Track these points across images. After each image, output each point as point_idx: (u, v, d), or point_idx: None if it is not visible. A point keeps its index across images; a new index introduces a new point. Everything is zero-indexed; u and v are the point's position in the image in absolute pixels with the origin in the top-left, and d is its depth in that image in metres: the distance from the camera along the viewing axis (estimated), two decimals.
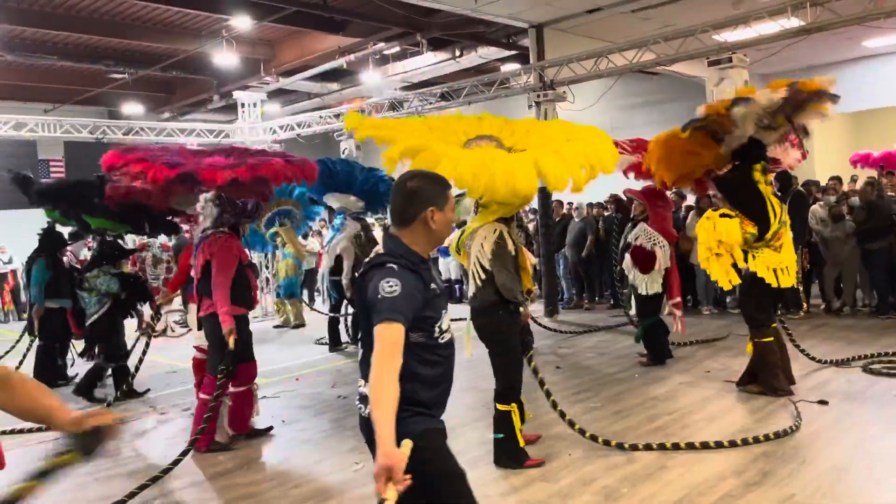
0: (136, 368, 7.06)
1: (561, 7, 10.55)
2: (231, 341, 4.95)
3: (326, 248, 9.08)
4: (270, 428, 5.68)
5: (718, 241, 5.58)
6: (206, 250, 5.16)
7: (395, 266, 2.29)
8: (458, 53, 14.20)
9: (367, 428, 2.33)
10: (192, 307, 6.13)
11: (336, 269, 8.79)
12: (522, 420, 4.60)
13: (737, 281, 5.66)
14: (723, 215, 5.72)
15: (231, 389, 5.27)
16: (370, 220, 9.82)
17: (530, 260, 4.91)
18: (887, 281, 8.87)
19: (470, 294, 4.56)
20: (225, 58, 13.54)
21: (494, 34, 13.12)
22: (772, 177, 5.84)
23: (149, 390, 7.29)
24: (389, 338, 2.19)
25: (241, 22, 12.15)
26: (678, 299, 7.24)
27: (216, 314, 5.06)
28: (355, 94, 16.53)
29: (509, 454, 4.49)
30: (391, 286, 2.23)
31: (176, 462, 4.67)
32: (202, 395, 5.21)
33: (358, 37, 13.32)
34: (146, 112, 18.46)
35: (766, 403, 5.59)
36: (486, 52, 13.97)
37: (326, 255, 8.93)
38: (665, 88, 15.90)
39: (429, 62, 14.64)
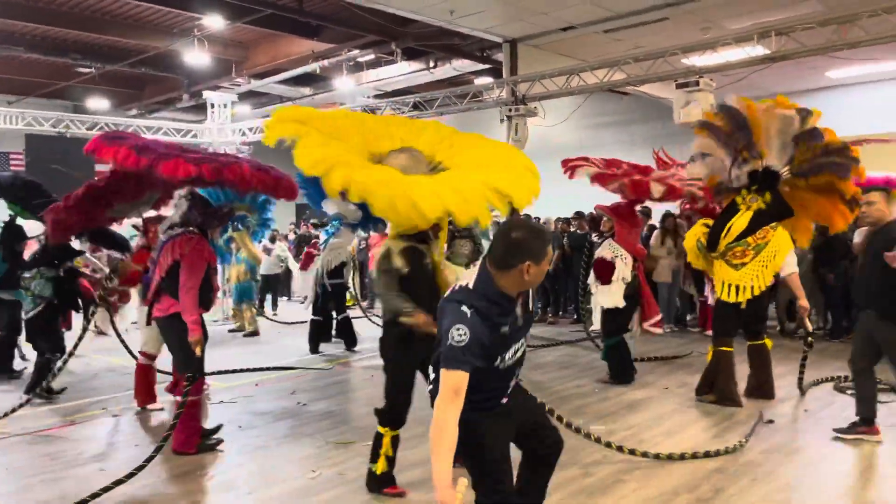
0: (59, 369, 6.81)
1: (535, 23, 10.67)
2: (198, 351, 4.92)
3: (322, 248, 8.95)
4: (219, 427, 5.52)
5: (686, 246, 6.40)
6: (175, 250, 5.03)
7: (468, 311, 2.48)
8: (432, 64, 14.27)
9: None
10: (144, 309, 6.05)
11: (335, 273, 8.70)
12: (396, 450, 4.25)
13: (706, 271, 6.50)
14: (704, 224, 6.38)
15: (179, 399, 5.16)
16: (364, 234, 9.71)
17: (458, 272, 4.48)
18: (841, 305, 9.11)
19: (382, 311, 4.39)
20: (196, 57, 13.39)
21: (469, 47, 13.21)
22: (753, 201, 6.04)
23: (65, 389, 7.08)
24: (453, 384, 2.40)
25: (214, 21, 12.03)
26: (656, 318, 7.35)
27: (178, 315, 4.97)
28: (328, 99, 16.48)
29: (369, 477, 4.27)
30: (460, 334, 2.43)
31: (149, 459, 4.58)
32: (180, 399, 5.13)
33: (332, 42, 13.30)
34: (112, 108, 18.16)
35: (721, 419, 5.68)
36: (460, 65, 14.06)
37: (319, 259, 8.76)
38: (634, 108, 16.16)
39: (403, 71, 14.68)
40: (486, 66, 13.96)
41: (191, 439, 5.10)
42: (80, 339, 6.62)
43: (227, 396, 6.87)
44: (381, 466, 4.21)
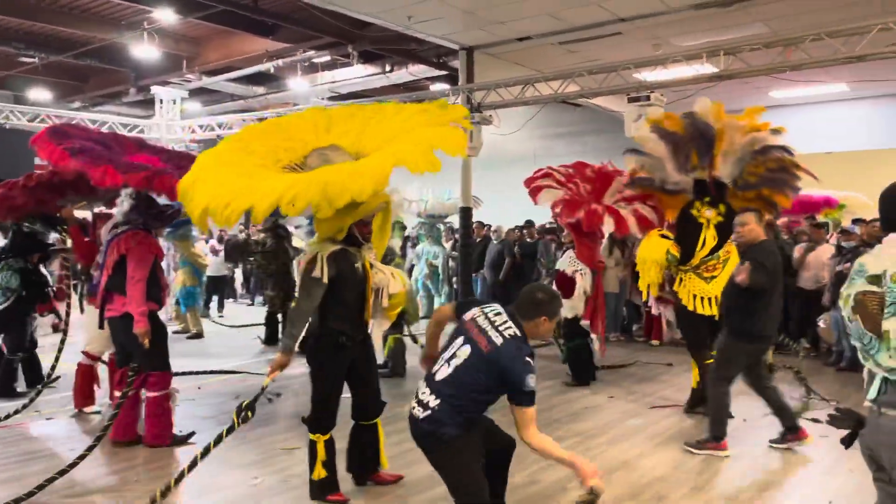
0: (53, 367, 6.57)
1: (492, 32, 10.75)
2: (146, 343, 4.92)
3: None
4: (191, 434, 5.43)
5: (643, 257, 6.32)
6: (121, 246, 5.01)
7: (531, 361, 3.19)
8: (388, 68, 14.22)
9: (416, 428, 3.30)
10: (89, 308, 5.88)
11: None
12: (333, 454, 4.19)
13: (655, 293, 6.45)
14: (662, 235, 6.41)
15: (149, 394, 5.15)
16: (291, 228, 9.64)
17: (403, 285, 4.43)
18: (781, 318, 9.39)
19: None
20: (145, 50, 13.05)
21: (425, 53, 13.22)
22: (717, 211, 6.18)
23: (59, 377, 6.77)
24: (532, 418, 3.20)
25: (164, 15, 11.74)
26: (591, 322, 7.48)
27: (130, 315, 4.93)
28: (281, 99, 16.27)
29: (310, 485, 4.19)
30: (533, 381, 3.15)
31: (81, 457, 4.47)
32: (150, 394, 5.14)
33: (288, 42, 13.13)
34: (55, 99, 17.55)
35: (665, 428, 5.78)
36: (417, 70, 14.05)
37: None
38: (587, 120, 16.43)
39: (358, 74, 14.59)
40: (443, 72, 13.99)
41: (163, 432, 5.16)
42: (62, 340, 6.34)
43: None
44: (318, 473, 4.13)
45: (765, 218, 5.35)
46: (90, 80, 17.39)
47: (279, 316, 9.71)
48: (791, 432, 5.23)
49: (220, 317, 12.94)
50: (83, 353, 6.19)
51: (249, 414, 3.93)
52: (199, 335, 10.51)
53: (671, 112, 6.74)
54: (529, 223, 11.61)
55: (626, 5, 9.45)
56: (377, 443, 4.39)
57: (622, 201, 7.24)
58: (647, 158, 6.51)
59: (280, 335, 9.88)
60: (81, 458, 4.46)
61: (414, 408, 3.30)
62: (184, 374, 7.78)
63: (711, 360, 6.01)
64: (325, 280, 3.93)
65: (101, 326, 5.33)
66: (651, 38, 10.83)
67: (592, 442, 5.42)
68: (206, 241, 10.02)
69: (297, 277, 4.58)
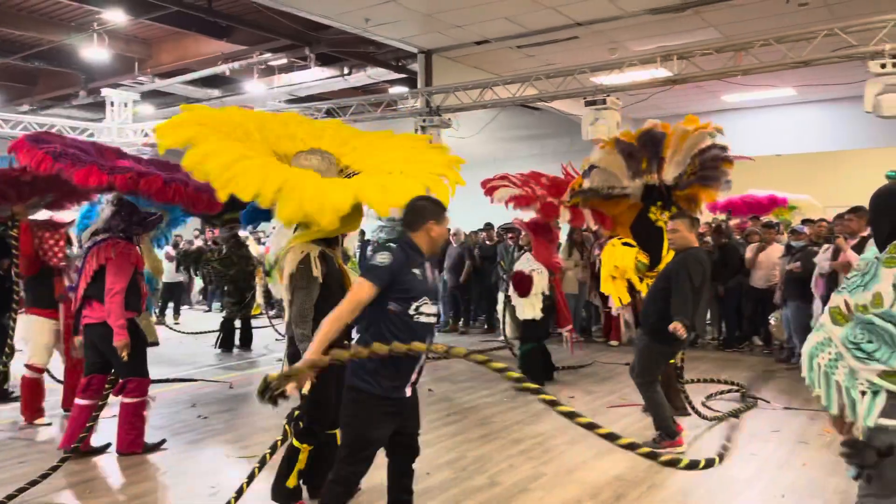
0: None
1: (451, 36, 10.78)
2: (125, 355, 4.91)
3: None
4: (163, 442, 5.40)
5: (615, 265, 6.38)
6: (100, 255, 5.01)
7: (393, 246, 3.18)
8: (346, 71, 14.14)
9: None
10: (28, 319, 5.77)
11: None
12: (312, 466, 4.02)
13: (627, 300, 6.44)
14: (625, 244, 6.51)
15: (125, 400, 5.12)
16: (243, 233, 9.50)
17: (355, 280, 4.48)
18: (734, 316, 9.62)
19: (286, 321, 3.95)
20: (95, 52, 12.72)
21: (384, 56, 13.18)
22: (669, 214, 6.33)
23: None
24: (360, 295, 3.09)
25: (115, 16, 11.47)
26: (570, 327, 7.80)
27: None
28: (238, 102, 16.00)
29: (279, 490, 4.06)
30: (383, 258, 3.11)
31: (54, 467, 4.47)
32: (126, 400, 5.09)
33: (243, 44, 12.95)
34: (2, 103, 17.00)
35: (623, 428, 5.85)
36: (376, 73, 14.00)
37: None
38: (545, 124, 16.58)
39: (316, 77, 14.48)
40: (402, 75, 13.96)
41: (137, 440, 5.14)
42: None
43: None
44: (293, 481, 4.03)
45: (695, 221, 5.46)
46: (39, 82, 16.89)
47: (236, 322, 9.59)
48: (669, 437, 5.25)
49: (176, 323, 12.69)
50: (27, 366, 6.00)
51: (301, 423, 3.89)
52: (153, 343, 10.18)
53: (625, 130, 7.03)
54: (489, 226, 11.65)
55: (583, 10, 9.57)
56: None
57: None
58: (603, 172, 6.67)
59: (237, 341, 9.75)
60: (54, 468, 4.44)
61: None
62: None
63: (672, 360, 6.20)
64: (321, 279, 3.86)
65: (75, 333, 5.29)
66: (607, 43, 10.99)
67: (552, 443, 5.45)
68: (161, 248, 9.71)
69: (259, 283, 4.46)
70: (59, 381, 6.96)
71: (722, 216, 10.99)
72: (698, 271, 5.01)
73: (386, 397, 3.19)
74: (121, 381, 5.10)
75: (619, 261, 6.43)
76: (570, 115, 13.88)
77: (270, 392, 2.93)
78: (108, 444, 5.27)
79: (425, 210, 3.31)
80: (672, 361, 6.27)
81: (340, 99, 12.68)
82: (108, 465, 5.01)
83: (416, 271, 3.21)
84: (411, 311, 3.18)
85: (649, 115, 15.25)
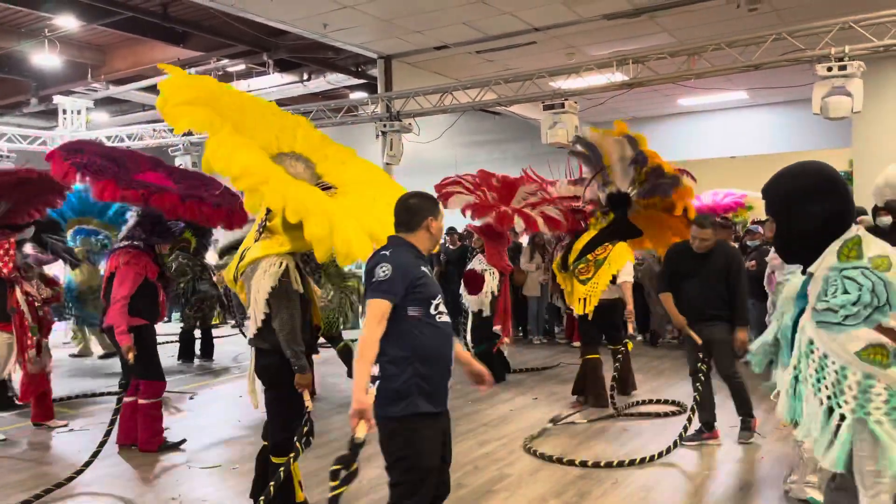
0: None
1: (409, 41, 10.79)
2: (131, 357, 5.01)
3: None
4: (183, 441, 5.59)
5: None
6: (112, 262, 5.27)
7: (387, 252, 2.92)
8: (305, 77, 14.03)
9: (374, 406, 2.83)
10: None
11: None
12: (279, 476, 3.73)
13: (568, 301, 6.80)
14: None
15: (140, 401, 5.34)
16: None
17: (318, 293, 4.38)
18: None
19: (252, 332, 3.77)
20: (46, 59, 12.41)
21: (343, 61, 13.13)
22: (602, 221, 6.69)
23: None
24: (378, 311, 2.82)
25: (66, 22, 11.21)
26: (502, 325, 7.83)
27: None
28: None
29: None
30: (384, 271, 2.84)
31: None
32: (140, 401, 5.33)
33: (200, 50, 12.75)
34: None
35: (586, 427, 5.92)
36: (335, 79, 13.93)
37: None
38: (505, 128, 16.70)
39: (275, 83, 14.33)
40: (361, 80, 13.92)
41: (153, 439, 5.38)
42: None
43: (80, 423, 6.35)
44: (301, 494, 3.87)
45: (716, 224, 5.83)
46: None
47: (195, 333, 9.45)
48: (708, 430, 5.46)
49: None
50: None
51: (311, 438, 3.77)
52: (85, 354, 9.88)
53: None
54: (451, 230, 11.68)
55: (540, 15, 9.68)
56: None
57: (528, 206, 7.51)
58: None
59: (197, 351, 9.59)
60: (79, 471, 4.63)
61: None
62: (92, 396, 7.45)
63: (595, 356, 6.62)
64: (297, 291, 3.74)
65: (101, 331, 5.76)
66: (565, 48, 11.13)
67: (516, 444, 5.48)
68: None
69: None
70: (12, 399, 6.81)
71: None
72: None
73: (430, 413, 2.92)
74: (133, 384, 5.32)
75: (554, 262, 7.02)
76: (530, 119, 14.01)
77: (358, 448, 2.71)
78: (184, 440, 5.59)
79: (422, 207, 3.06)
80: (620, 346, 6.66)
81: (300, 104, 12.58)
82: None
83: (425, 269, 2.99)
84: (433, 311, 2.94)
85: (607, 118, 15.41)
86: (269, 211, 3.69)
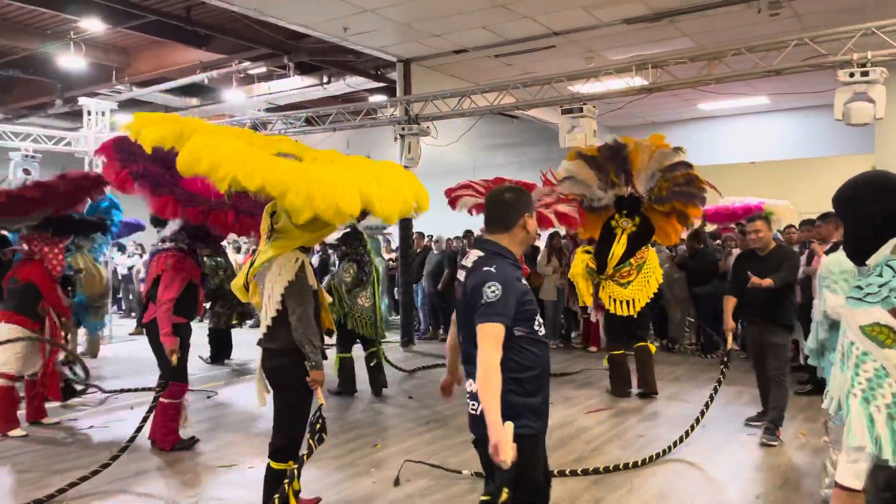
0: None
1: (429, 45, 10.84)
2: (174, 359, 5.16)
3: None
4: (194, 441, 5.70)
5: (571, 273, 7.12)
6: (158, 265, 5.39)
7: (492, 269, 2.64)
8: (325, 80, 14.13)
9: (475, 425, 2.70)
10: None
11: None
12: (293, 474, 3.65)
13: (587, 300, 7.20)
14: (586, 251, 7.16)
15: (162, 400, 5.43)
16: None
17: (327, 298, 4.31)
18: (711, 322, 9.73)
19: (262, 332, 3.77)
20: (72, 61, 12.61)
21: (363, 64, 13.21)
22: (633, 223, 7.05)
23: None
24: (494, 334, 2.54)
25: (92, 25, 11.39)
26: None
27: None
28: (217, 111, 15.95)
29: None
30: (493, 291, 2.57)
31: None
32: (162, 400, 5.40)
33: (222, 53, 12.90)
34: None
35: (602, 432, 5.91)
36: (355, 82, 14.01)
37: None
38: (523, 132, 16.70)
39: (295, 86, 14.45)
40: (380, 84, 13.99)
41: (167, 437, 5.47)
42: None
43: (99, 421, 6.45)
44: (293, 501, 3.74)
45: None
46: (14, 91, 16.68)
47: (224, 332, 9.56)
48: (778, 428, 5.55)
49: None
50: None
51: (324, 435, 3.72)
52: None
53: (593, 143, 7.80)
54: (469, 233, 11.71)
55: (560, 20, 9.69)
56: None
57: (542, 206, 7.54)
58: (577, 182, 7.33)
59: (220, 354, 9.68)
60: (106, 465, 4.77)
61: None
62: (115, 393, 7.56)
63: (619, 352, 7.16)
64: (313, 287, 3.78)
65: (139, 327, 5.76)
66: (583, 52, 11.11)
67: None
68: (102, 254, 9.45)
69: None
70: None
71: (698, 222, 11.13)
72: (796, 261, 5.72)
73: (539, 430, 2.80)
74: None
75: (574, 268, 7.23)
76: (548, 123, 13.99)
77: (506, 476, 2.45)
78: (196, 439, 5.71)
79: (519, 203, 2.78)
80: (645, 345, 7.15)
81: (319, 107, 12.67)
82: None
83: (525, 282, 2.76)
84: (536, 327, 2.73)
85: (626, 123, 15.46)
86: (273, 214, 3.76)
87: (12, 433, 5.91)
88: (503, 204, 2.78)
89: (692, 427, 5.49)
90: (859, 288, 2.06)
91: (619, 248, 6.98)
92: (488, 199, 2.88)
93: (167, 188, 5.07)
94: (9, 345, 5.86)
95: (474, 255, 2.77)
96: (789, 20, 9.46)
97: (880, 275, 2.03)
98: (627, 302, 6.93)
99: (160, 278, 5.30)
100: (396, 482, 4.70)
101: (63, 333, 6.44)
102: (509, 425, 2.45)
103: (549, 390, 2.83)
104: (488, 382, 2.50)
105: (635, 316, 6.96)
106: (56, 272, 6.22)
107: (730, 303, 5.65)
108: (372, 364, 7.44)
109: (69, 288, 6.99)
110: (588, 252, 7.31)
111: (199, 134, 3.57)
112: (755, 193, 12.04)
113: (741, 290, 5.55)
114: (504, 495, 2.41)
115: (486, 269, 2.64)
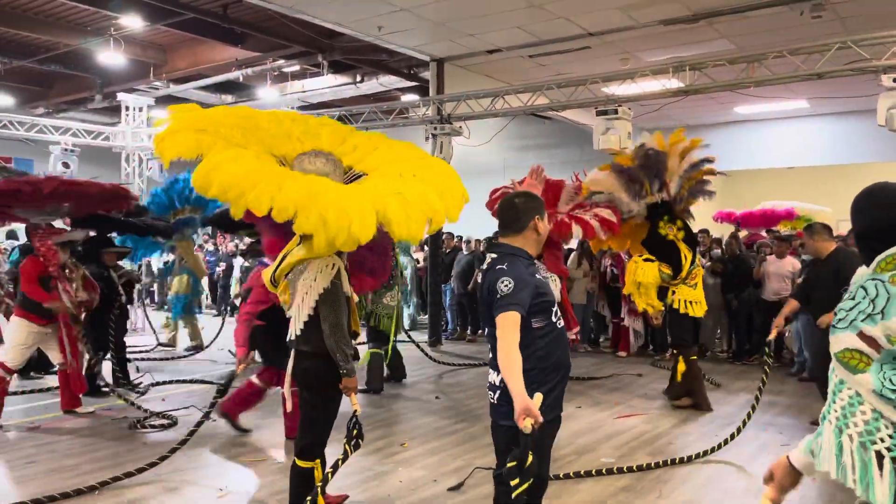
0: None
1: (463, 44, 10.82)
2: (239, 369, 5.23)
3: None
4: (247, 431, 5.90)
5: (638, 282, 6.91)
6: (254, 277, 5.52)
7: (504, 265, 2.81)
8: (358, 78, 14.20)
9: (494, 412, 2.88)
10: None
11: None
12: (326, 478, 3.70)
13: (659, 307, 7.03)
14: (646, 259, 7.02)
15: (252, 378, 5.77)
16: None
17: (355, 299, 4.23)
18: (744, 329, 9.57)
19: (293, 335, 3.74)
20: (111, 57, 12.85)
21: (396, 63, 13.24)
22: (676, 227, 7.04)
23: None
24: (511, 321, 2.71)
25: (132, 22, 11.58)
26: (576, 329, 8.13)
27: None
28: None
29: None
30: (506, 285, 2.73)
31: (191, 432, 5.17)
32: (252, 378, 5.75)
33: (257, 51, 13.04)
34: (18, 105, 17.18)
35: (630, 438, 5.83)
36: (387, 81, 14.06)
37: None
38: (556, 133, 16.59)
39: (329, 84, 14.54)
40: (413, 83, 14.01)
41: (233, 409, 5.74)
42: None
43: (131, 413, 6.55)
44: (321, 501, 3.75)
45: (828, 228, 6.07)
46: (55, 85, 17.05)
47: None
48: None
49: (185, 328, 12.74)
50: None
51: (360, 441, 3.69)
52: (199, 347, 10.24)
53: (627, 153, 7.64)
54: (497, 234, 11.68)
55: (595, 20, 9.59)
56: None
57: (577, 208, 7.45)
58: (606, 195, 7.26)
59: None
60: (173, 450, 4.97)
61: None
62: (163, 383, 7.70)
63: (695, 358, 7.07)
64: (348, 294, 3.74)
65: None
66: (619, 53, 11.00)
67: (559, 453, 5.43)
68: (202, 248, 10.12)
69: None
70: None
71: (731, 228, 10.96)
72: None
73: (551, 420, 2.89)
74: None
75: (642, 277, 6.94)
76: (580, 124, 13.88)
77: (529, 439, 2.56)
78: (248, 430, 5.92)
79: (528, 208, 2.95)
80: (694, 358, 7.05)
81: (352, 106, 12.72)
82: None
83: (540, 276, 2.92)
84: (553, 319, 2.88)
85: (660, 125, 15.22)
86: None
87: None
88: (514, 209, 2.96)
89: (738, 430, 5.50)
90: (835, 315, 1.97)
91: (687, 251, 6.97)
92: (500, 206, 3.03)
93: None
94: (15, 338, 6.07)
95: (489, 257, 2.95)
96: (832, 23, 9.25)
97: (853, 297, 1.94)
98: (697, 303, 6.98)
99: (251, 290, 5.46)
100: (457, 487, 4.66)
101: (77, 330, 6.42)
102: (538, 396, 2.65)
103: (566, 379, 2.95)
104: (510, 360, 2.66)
105: (702, 315, 7.12)
106: (51, 266, 6.13)
107: (789, 305, 5.93)
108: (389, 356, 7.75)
109: (127, 287, 7.29)
110: (650, 260, 7.04)
111: (215, 150, 3.47)
112: (793, 199, 11.81)
113: (807, 296, 5.79)
114: (529, 459, 2.51)
115: (499, 267, 2.82)
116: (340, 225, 3.24)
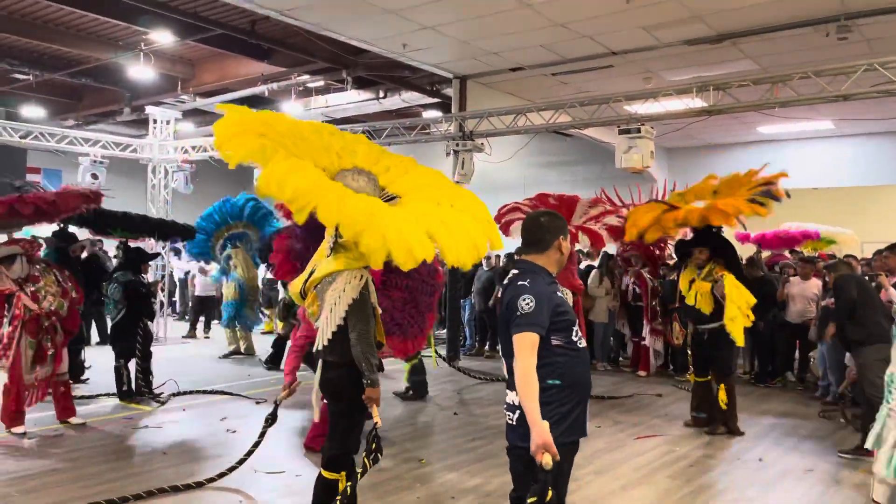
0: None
1: (486, 62, 10.89)
2: (281, 397, 5.05)
3: None
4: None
5: (747, 303, 6.48)
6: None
7: (526, 282, 2.84)
8: (381, 94, 14.34)
9: (511, 433, 2.87)
10: None
11: None
12: (346, 493, 3.67)
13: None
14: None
15: None
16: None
17: (379, 310, 4.19)
18: (767, 351, 9.44)
19: (320, 345, 3.75)
20: (140, 71, 13.11)
21: (419, 80, 13.35)
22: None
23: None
24: (529, 343, 2.73)
25: (162, 37, 11.82)
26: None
27: None
28: None
29: None
30: (528, 303, 2.76)
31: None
32: None
33: (282, 66, 13.22)
34: (48, 117, 17.53)
35: (652, 459, 5.78)
36: (410, 97, 14.17)
37: None
38: (577, 150, 16.59)
39: (352, 100, 14.70)
40: (436, 100, 14.12)
41: (317, 439, 5.57)
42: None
43: (153, 421, 6.61)
44: None
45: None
46: (84, 98, 17.40)
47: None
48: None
49: (206, 337, 12.88)
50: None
51: (379, 455, 3.67)
52: (247, 351, 10.85)
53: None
54: (510, 255, 11.66)
55: (619, 39, 9.62)
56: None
57: (589, 221, 7.43)
58: None
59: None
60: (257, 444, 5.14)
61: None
62: (182, 393, 7.76)
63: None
64: (375, 305, 3.81)
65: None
66: (642, 72, 11.01)
67: (578, 472, 5.39)
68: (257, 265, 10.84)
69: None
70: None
71: (753, 249, 10.85)
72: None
73: (572, 442, 2.93)
74: None
75: (743, 301, 6.50)
76: (602, 142, 13.88)
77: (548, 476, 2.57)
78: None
79: (553, 227, 2.99)
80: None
81: (375, 122, 12.85)
82: (149, 481, 5.11)
83: (561, 294, 2.94)
84: (574, 338, 2.88)
85: (683, 144, 15.22)
86: (338, 226, 3.70)
87: (15, 430, 5.99)
88: (540, 228, 2.99)
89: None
90: None
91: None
92: (525, 224, 3.07)
93: None
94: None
95: (511, 273, 2.97)
96: (858, 44, 9.20)
97: None
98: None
99: None
100: None
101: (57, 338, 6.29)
102: (546, 425, 2.64)
103: (587, 403, 2.96)
104: (527, 386, 2.68)
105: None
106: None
107: (829, 330, 6.30)
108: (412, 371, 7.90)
109: (144, 291, 7.45)
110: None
111: (278, 157, 3.61)
112: (817, 220, 11.69)
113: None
114: (549, 494, 2.49)
115: (520, 283, 2.85)
116: (402, 244, 3.47)
